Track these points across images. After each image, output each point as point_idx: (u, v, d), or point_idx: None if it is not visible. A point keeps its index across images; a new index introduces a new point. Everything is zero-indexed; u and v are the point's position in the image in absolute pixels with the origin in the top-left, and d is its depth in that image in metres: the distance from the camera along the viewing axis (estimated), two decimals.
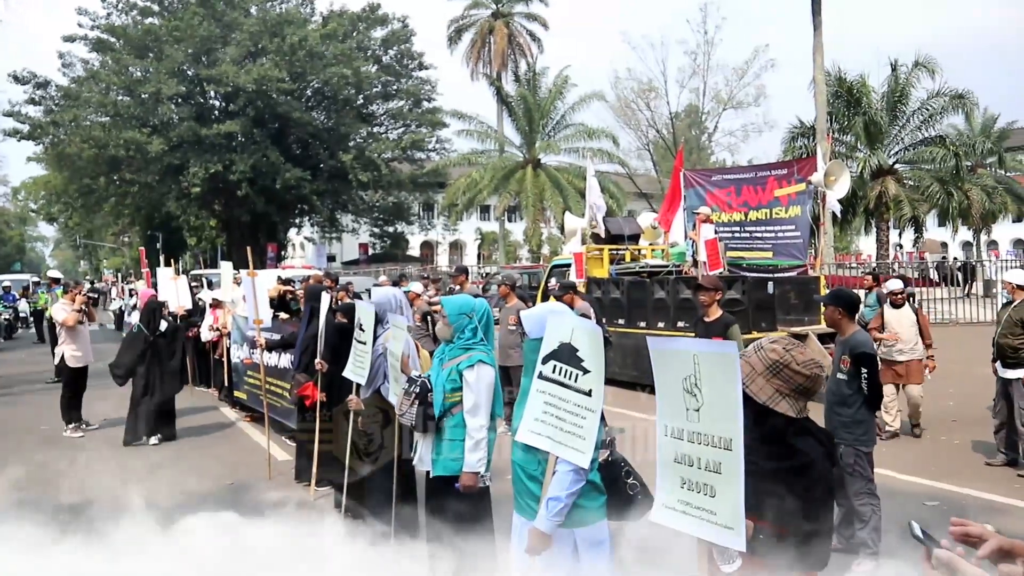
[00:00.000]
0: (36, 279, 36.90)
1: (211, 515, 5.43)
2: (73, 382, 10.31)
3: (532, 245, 41.76)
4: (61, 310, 10.64)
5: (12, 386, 14.48)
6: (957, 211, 32.47)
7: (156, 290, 12.87)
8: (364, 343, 5.59)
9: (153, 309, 10.00)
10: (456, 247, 62.42)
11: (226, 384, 11.45)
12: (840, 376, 5.42)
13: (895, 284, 9.39)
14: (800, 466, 2.52)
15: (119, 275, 50.59)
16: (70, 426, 10.08)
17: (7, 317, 25.84)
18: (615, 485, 3.34)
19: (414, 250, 55.10)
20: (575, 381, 3.10)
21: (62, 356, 10.43)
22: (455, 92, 70.46)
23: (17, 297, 27.43)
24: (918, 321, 9.03)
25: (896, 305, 9.14)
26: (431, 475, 4.23)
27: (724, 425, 2.30)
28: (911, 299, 9.48)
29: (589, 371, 3.07)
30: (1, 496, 6.82)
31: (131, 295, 18.91)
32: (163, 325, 9.91)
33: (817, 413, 5.62)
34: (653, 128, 43.86)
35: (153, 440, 9.42)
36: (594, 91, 38.93)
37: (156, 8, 37.90)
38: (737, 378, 2.27)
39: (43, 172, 49.49)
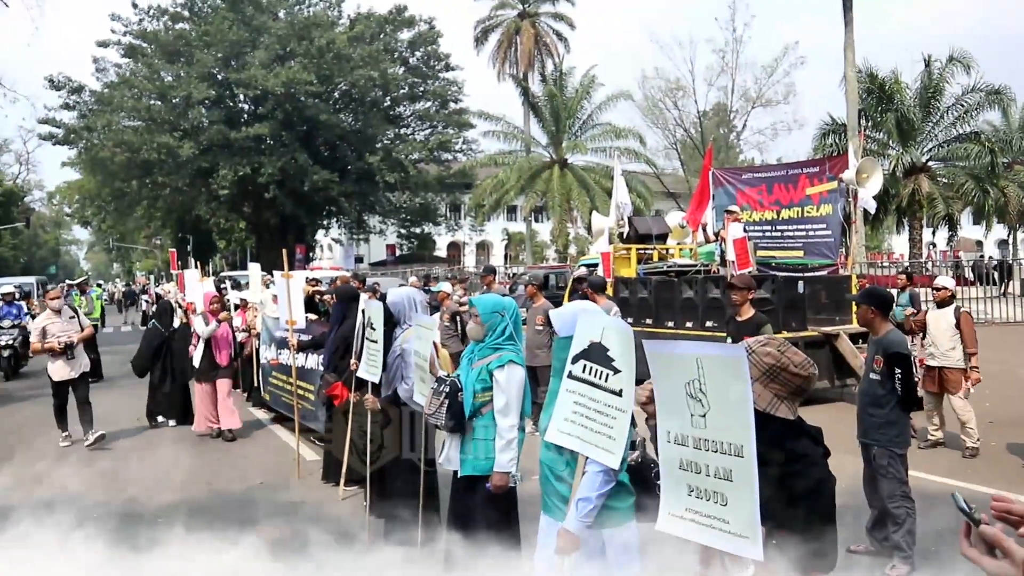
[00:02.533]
0: (69, 281, 37.49)
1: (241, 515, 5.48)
2: (55, 393, 9.53)
3: (559, 245, 41.67)
4: (34, 334, 9.57)
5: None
6: (993, 209, 31.94)
7: (185, 291, 13.11)
8: (376, 342, 5.61)
9: (167, 308, 11.74)
10: (483, 248, 62.46)
11: (255, 385, 11.53)
12: (873, 376, 5.33)
13: (942, 281, 8.84)
14: (803, 469, 2.49)
15: (151, 277, 51.32)
16: (63, 434, 9.55)
17: (9, 343, 15.98)
18: (645, 486, 3.30)
19: (441, 251, 55.21)
20: (605, 381, 3.07)
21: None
22: (482, 93, 70.71)
23: (27, 311, 18.10)
24: (959, 326, 8.29)
25: (939, 304, 8.59)
26: (459, 475, 4.22)
27: (734, 431, 2.22)
28: (954, 302, 8.65)
29: (620, 371, 3.03)
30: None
31: (160, 297, 19.13)
32: (176, 322, 11.49)
33: (850, 414, 5.56)
34: (681, 127, 43.55)
35: (171, 422, 10.68)
36: (621, 91, 38.83)
37: (186, 14, 38.39)
38: (747, 382, 2.19)
39: (77, 176, 50.32)
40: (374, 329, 5.67)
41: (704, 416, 2.29)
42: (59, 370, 9.44)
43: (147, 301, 28.94)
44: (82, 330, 9.69)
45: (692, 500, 2.37)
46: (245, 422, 10.48)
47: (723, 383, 2.24)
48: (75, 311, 9.90)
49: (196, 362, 9.95)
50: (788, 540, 2.36)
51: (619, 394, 3.04)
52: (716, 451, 2.28)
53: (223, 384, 9.91)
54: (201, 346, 9.90)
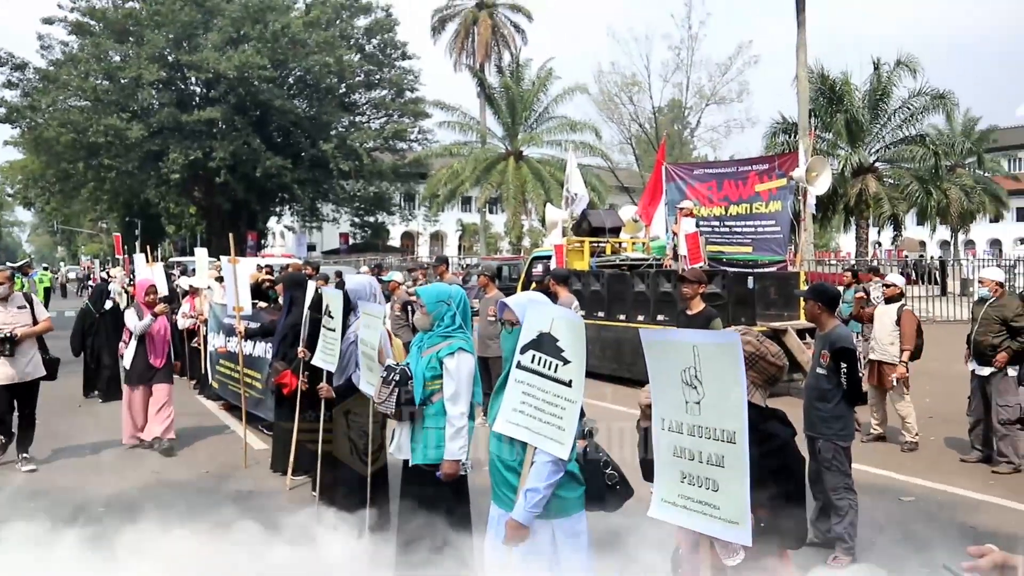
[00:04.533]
0: (10, 264, 36.32)
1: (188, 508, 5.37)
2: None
3: (513, 237, 41.70)
4: None
5: None
6: (936, 210, 32.81)
7: (134, 276, 12.88)
8: (333, 330, 5.54)
9: (100, 291, 12.20)
10: (437, 238, 62.23)
11: (203, 372, 11.33)
12: (819, 371, 5.42)
13: (892, 278, 9.03)
14: (774, 449, 2.56)
15: (97, 261, 50.07)
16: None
17: None
18: (594, 476, 3.30)
19: (395, 240, 54.87)
20: (555, 371, 3.06)
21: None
22: (438, 83, 70.22)
23: None
24: (899, 323, 8.43)
25: (887, 300, 8.78)
26: (410, 463, 4.18)
27: (728, 418, 2.26)
28: (901, 300, 8.81)
29: (570, 361, 3.03)
30: None
31: (104, 282, 18.67)
32: (108, 304, 11.80)
33: (798, 407, 5.65)
34: (636, 122, 43.84)
35: (97, 395, 11.28)
36: (577, 84, 38.95)
37: None
38: (741, 370, 2.23)
39: (20, 156, 48.77)
40: (332, 317, 5.58)
41: (699, 403, 2.32)
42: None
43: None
44: (35, 323, 7.74)
45: (684, 487, 2.39)
46: (192, 411, 10.28)
47: (718, 370, 2.27)
48: (29, 301, 7.93)
49: (127, 362, 8.51)
50: (763, 518, 2.40)
51: (568, 384, 3.03)
52: (710, 437, 2.31)
53: (160, 390, 8.44)
54: (133, 344, 8.43)
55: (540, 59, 41.69)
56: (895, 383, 8.43)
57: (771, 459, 2.51)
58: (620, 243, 15.32)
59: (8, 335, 7.42)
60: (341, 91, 40.42)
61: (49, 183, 41.38)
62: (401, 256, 41.16)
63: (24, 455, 7.70)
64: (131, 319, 8.51)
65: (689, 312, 7.11)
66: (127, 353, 8.53)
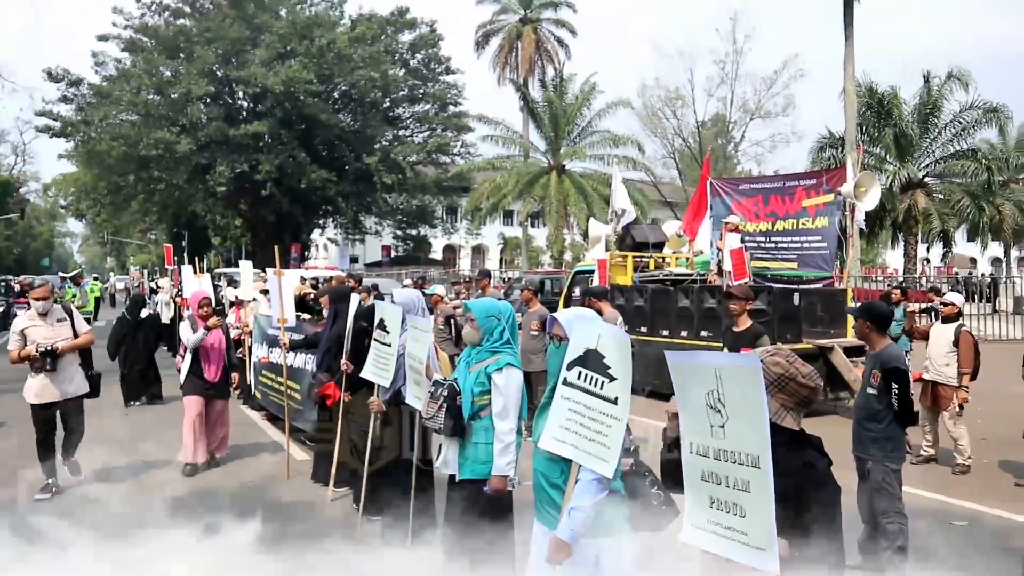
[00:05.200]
0: (62, 274, 37.23)
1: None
2: (36, 423, 7.16)
3: (554, 251, 41.67)
4: (12, 337, 7.12)
5: None
6: (988, 226, 32.02)
7: (181, 287, 13.16)
8: (388, 344, 5.52)
9: (137, 299, 12.98)
10: (479, 251, 62.42)
11: (248, 383, 11.47)
12: (870, 391, 5.30)
13: (951, 297, 8.71)
14: (811, 478, 2.50)
15: (145, 272, 51.15)
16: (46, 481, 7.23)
17: None
18: (638, 495, 3.27)
19: (436, 253, 55.16)
20: (600, 388, 3.04)
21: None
22: (481, 97, 70.80)
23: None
24: (957, 344, 8.12)
25: (945, 320, 8.46)
26: (457, 478, 4.18)
27: (751, 442, 2.22)
28: (959, 319, 8.44)
29: (616, 379, 3.00)
30: None
31: (153, 292, 19.06)
32: (144, 313, 12.54)
33: (844, 427, 5.54)
34: (679, 136, 43.71)
35: (136, 403, 11.68)
36: (621, 98, 38.96)
37: (188, 9, 38.29)
38: (762, 392, 2.19)
39: (73, 169, 50.12)
40: (387, 332, 5.56)
41: (723, 427, 2.30)
42: (37, 389, 7.04)
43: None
44: (75, 336, 7.23)
45: (713, 512, 2.37)
46: (236, 420, 10.39)
47: (740, 393, 2.23)
48: (69, 313, 7.43)
49: (182, 378, 8.19)
50: (801, 549, 2.35)
51: (614, 402, 3.00)
52: (735, 462, 2.28)
53: (214, 406, 8.23)
54: (188, 358, 8.10)
55: (584, 73, 41.97)
56: (959, 408, 8.12)
57: (809, 490, 2.46)
58: (663, 258, 15.21)
59: (50, 348, 6.93)
60: (385, 105, 40.90)
61: (100, 195, 42.47)
62: (443, 269, 41.35)
63: (71, 458, 7.43)
64: (185, 332, 8.19)
65: (736, 329, 7.02)
66: (183, 366, 8.21)
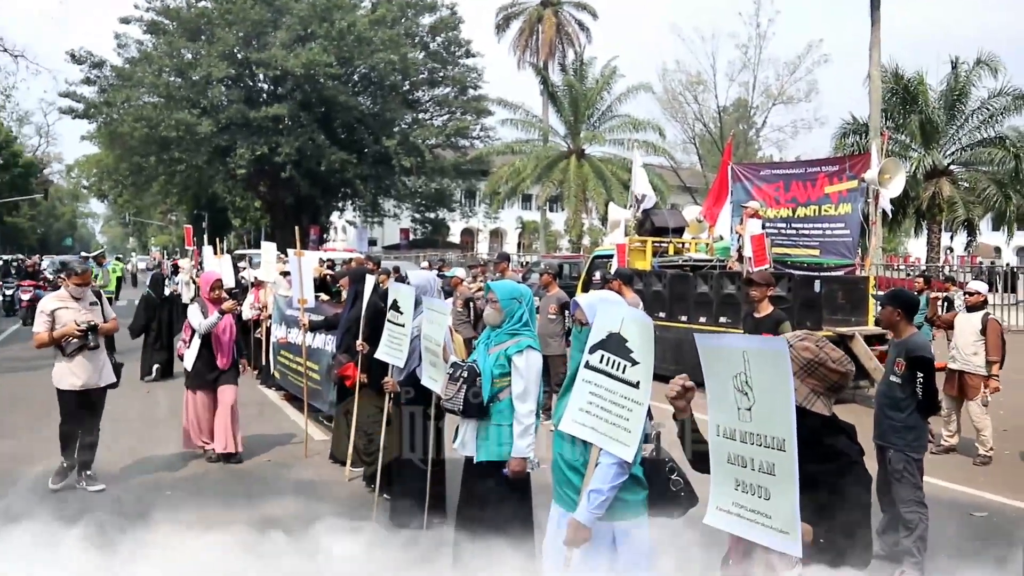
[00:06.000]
0: (84, 254, 37.53)
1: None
2: (66, 412, 6.67)
3: (573, 235, 41.57)
4: (39, 319, 6.60)
5: None
6: (1014, 215, 31.51)
7: (202, 267, 13.28)
8: (403, 325, 5.55)
9: (159, 279, 13.48)
10: (497, 235, 62.38)
11: (264, 363, 11.55)
12: (894, 379, 5.25)
13: (975, 285, 8.64)
14: (842, 466, 2.48)
15: (165, 252, 51.56)
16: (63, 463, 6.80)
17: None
18: (658, 480, 3.25)
19: (455, 237, 55.17)
20: (623, 372, 3.02)
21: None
22: (501, 81, 70.33)
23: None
24: (984, 332, 8.07)
25: (970, 308, 8.40)
26: (475, 460, 4.18)
27: (776, 425, 2.22)
28: (985, 308, 8.37)
29: (638, 363, 2.98)
30: None
31: (174, 271, 19.18)
32: (166, 291, 13.05)
33: (863, 415, 5.49)
34: (700, 121, 43.31)
35: (153, 376, 12.18)
36: (641, 83, 38.60)
37: None
38: (789, 376, 2.19)
39: (96, 150, 50.47)
40: (401, 312, 5.58)
41: (750, 409, 2.29)
42: (73, 374, 6.57)
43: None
44: (104, 321, 6.84)
45: (738, 495, 2.37)
46: (255, 400, 10.47)
47: (767, 376, 2.23)
48: (99, 297, 7.03)
49: (188, 364, 7.63)
50: (815, 535, 2.34)
51: (636, 386, 2.99)
52: (760, 444, 2.28)
53: (225, 394, 7.61)
54: (196, 343, 7.57)
55: (604, 57, 41.62)
56: (988, 396, 8.05)
57: (839, 478, 2.44)
58: (683, 243, 15.13)
59: (93, 324, 6.55)
60: (405, 88, 40.81)
61: (122, 176, 42.76)
62: (461, 252, 41.40)
63: (87, 472, 6.80)
64: (195, 316, 7.57)
65: (757, 315, 6.97)
66: (188, 354, 7.63)
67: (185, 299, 14.65)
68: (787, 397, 2.19)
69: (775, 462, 2.24)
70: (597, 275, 12.35)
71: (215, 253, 13.48)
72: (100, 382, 6.77)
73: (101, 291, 7.46)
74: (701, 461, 2.64)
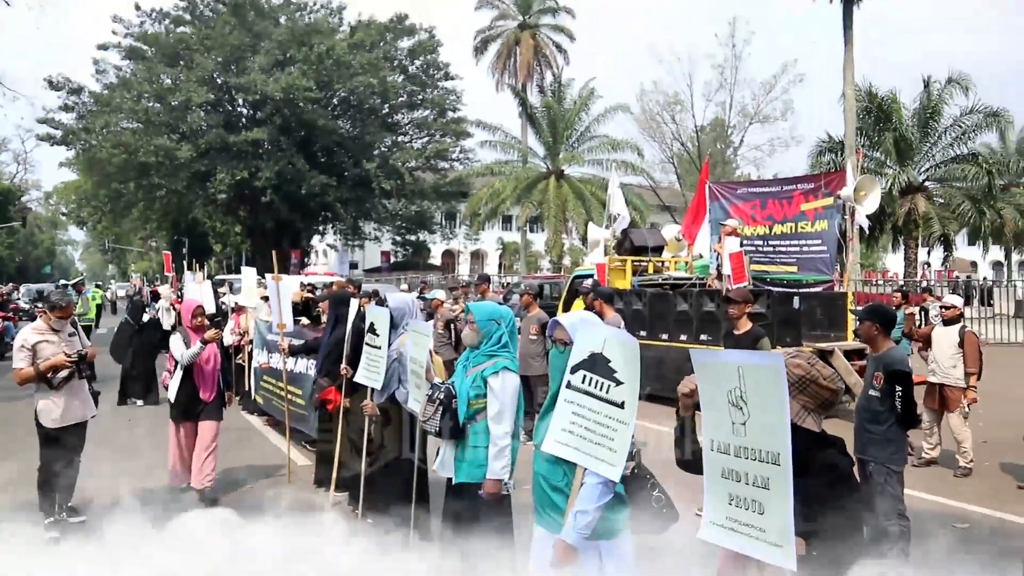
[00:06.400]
0: (64, 281, 37.21)
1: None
2: (50, 449, 6.29)
3: (553, 256, 41.68)
4: (19, 354, 6.19)
5: None
6: (989, 230, 31.99)
7: (182, 293, 13.22)
8: (378, 348, 5.57)
9: (138, 304, 13.58)
10: (477, 256, 62.47)
11: (247, 389, 11.47)
12: (872, 393, 5.30)
13: (951, 299, 8.77)
14: (834, 480, 2.52)
15: (145, 279, 51.17)
16: (46, 520, 6.28)
17: None
18: (640, 497, 3.26)
19: (436, 259, 55.22)
20: (607, 392, 3.03)
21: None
22: (480, 103, 70.81)
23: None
24: (962, 345, 8.21)
25: (946, 322, 8.52)
26: (453, 482, 4.18)
27: (771, 439, 2.25)
28: (961, 321, 8.54)
29: (623, 383, 3.00)
30: None
31: (154, 298, 19.05)
32: (145, 317, 13.05)
33: (846, 430, 5.52)
34: (678, 141, 43.69)
35: (139, 402, 12.13)
36: (619, 103, 38.92)
37: (188, 17, 38.40)
38: (784, 391, 2.22)
39: (74, 177, 50.17)
40: (377, 335, 5.61)
41: (744, 424, 2.32)
42: (59, 409, 6.20)
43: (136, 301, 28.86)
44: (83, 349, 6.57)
45: (732, 509, 2.39)
46: (237, 427, 10.38)
47: (762, 391, 2.26)
48: (75, 327, 6.76)
49: (172, 395, 7.22)
50: (807, 548, 2.36)
51: (621, 406, 3.00)
52: (755, 459, 2.30)
53: (206, 429, 7.20)
54: (179, 374, 7.16)
55: (582, 79, 41.91)
56: (967, 408, 8.18)
57: (830, 491, 2.47)
58: (662, 262, 15.22)
59: (83, 352, 6.31)
60: (384, 111, 41.01)
61: (101, 203, 42.54)
62: (442, 274, 41.38)
63: (68, 504, 6.49)
64: (176, 346, 7.18)
65: (736, 332, 7.02)
66: (171, 384, 7.24)
67: (166, 325, 14.57)
68: (782, 412, 2.21)
69: (769, 476, 2.26)
70: (588, 282, 12.35)
71: (199, 279, 13.41)
72: (87, 414, 6.53)
73: (76, 320, 7.20)
74: (698, 462, 2.66)
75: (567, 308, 14.02)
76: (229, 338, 12.05)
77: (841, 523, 2.46)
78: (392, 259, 49.21)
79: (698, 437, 2.75)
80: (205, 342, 7.13)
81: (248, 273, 11.78)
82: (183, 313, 7.77)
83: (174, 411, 7.32)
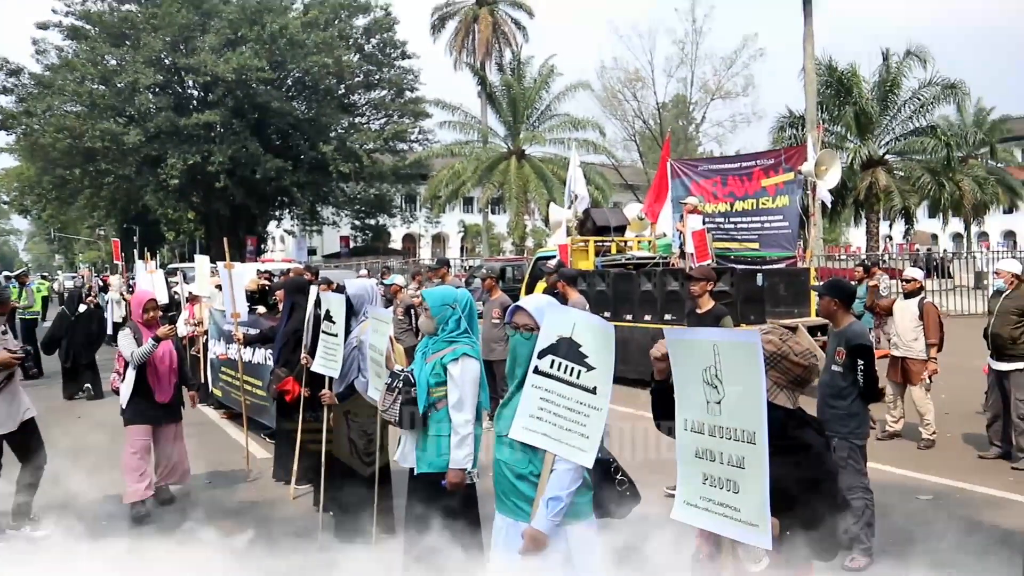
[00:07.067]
0: (7, 273, 36.30)
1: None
2: None
3: (516, 238, 41.69)
4: None
5: None
6: (948, 202, 32.65)
7: (133, 285, 12.94)
8: (335, 335, 5.52)
9: (75, 295, 13.21)
10: (439, 240, 62.24)
11: (203, 381, 11.32)
12: (835, 368, 5.36)
13: (911, 272, 8.89)
14: (807, 458, 2.52)
15: (94, 269, 50.15)
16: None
17: None
18: (604, 481, 3.27)
19: (396, 243, 54.91)
20: (577, 377, 3.02)
21: None
22: (438, 82, 70.33)
23: None
24: (922, 317, 8.32)
25: (907, 295, 8.65)
26: (415, 472, 4.15)
27: (747, 418, 2.26)
28: (921, 293, 8.66)
29: (594, 368, 2.99)
30: None
31: (104, 288, 18.66)
32: (81, 308, 12.66)
33: (809, 406, 5.60)
34: (640, 118, 43.81)
35: (83, 394, 12.15)
36: (580, 81, 38.91)
37: None
38: (760, 368, 2.22)
39: (15, 163, 48.87)
40: (333, 322, 5.56)
41: (719, 403, 2.32)
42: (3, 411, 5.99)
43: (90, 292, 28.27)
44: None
45: (706, 488, 2.39)
46: (194, 420, 10.23)
47: (738, 369, 2.26)
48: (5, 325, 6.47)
49: (123, 399, 6.58)
50: (796, 530, 2.38)
51: (593, 391, 3.00)
52: (730, 438, 2.31)
53: (166, 433, 6.81)
54: (131, 376, 6.49)
55: (542, 56, 41.54)
56: (928, 380, 8.33)
57: (804, 470, 2.48)
58: (625, 242, 15.29)
59: (28, 348, 6.05)
60: (340, 92, 40.52)
61: (45, 190, 41.47)
62: (403, 259, 41.17)
63: (30, 518, 6.18)
64: (126, 344, 6.52)
65: (699, 311, 7.06)
66: (122, 388, 6.62)
67: (116, 317, 14.28)
68: (758, 390, 2.22)
69: (745, 455, 2.26)
70: (551, 263, 12.31)
71: (150, 268, 13.15)
72: (23, 417, 6.11)
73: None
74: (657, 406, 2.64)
75: (530, 290, 14.02)
76: (184, 329, 11.87)
77: (815, 503, 2.46)
78: (351, 244, 48.82)
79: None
80: (158, 339, 6.49)
81: (201, 261, 11.60)
82: (133, 306, 7.06)
83: (128, 418, 6.63)
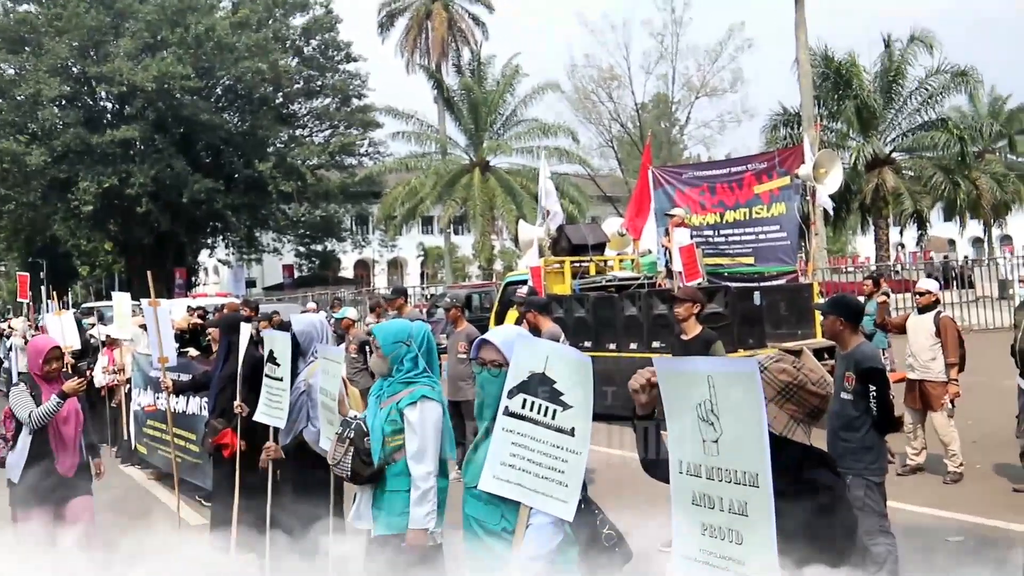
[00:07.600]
0: None
1: None
2: None
3: (482, 260, 41.70)
4: None
5: None
6: (965, 203, 32.79)
7: (41, 327, 12.69)
8: (280, 379, 5.46)
9: None
10: (395, 266, 62.12)
11: (125, 437, 11.16)
12: (845, 396, 5.36)
13: (925, 284, 8.82)
14: (827, 503, 2.50)
15: None
16: None
17: None
18: (589, 534, 3.25)
19: (347, 271, 54.73)
20: (552, 418, 3.01)
21: None
22: (389, 87, 70.08)
23: None
24: (939, 334, 8.22)
25: (921, 310, 8.59)
26: (372, 534, 4.10)
27: (748, 457, 2.22)
28: (937, 307, 8.62)
29: (571, 406, 2.98)
30: None
31: (5, 336, 18.36)
32: None
33: (818, 439, 5.62)
34: (617, 122, 44.23)
35: None
36: (548, 81, 39.23)
37: None
38: (761, 401, 2.20)
39: None
40: (278, 364, 5.49)
41: (716, 442, 2.29)
42: None
43: None
44: None
45: (706, 540, 2.35)
46: (115, 484, 10.05)
47: (736, 403, 2.23)
48: None
49: (15, 475, 5.83)
50: None
51: (571, 433, 2.98)
52: (730, 481, 2.27)
53: (77, 510, 6.03)
54: (24, 443, 5.83)
55: (505, 55, 42.07)
56: (950, 405, 8.23)
57: (822, 515, 2.46)
58: (606, 261, 15.32)
59: None
60: (278, 101, 40.49)
61: None
62: (355, 289, 41.02)
63: None
64: (21, 404, 5.84)
65: (684, 337, 7.08)
66: (11, 459, 5.90)
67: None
68: (759, 426, 2.19)
69: (748, 500, 2.23)
70: (523, 289, 12.31)
71: (58, 309, 12.93)
72: None
73: None
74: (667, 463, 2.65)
75: (500, 320, 14.03)
76: (101, 378, 11.70)
77: (836, 552, 2.44)
78: (296, 274, 48.48)
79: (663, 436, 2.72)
80: (64, 395, 5.79)
81: (121, 299, 11.47)
82: (30, 357, 6.30)
83: (17, 497, 5.88)
